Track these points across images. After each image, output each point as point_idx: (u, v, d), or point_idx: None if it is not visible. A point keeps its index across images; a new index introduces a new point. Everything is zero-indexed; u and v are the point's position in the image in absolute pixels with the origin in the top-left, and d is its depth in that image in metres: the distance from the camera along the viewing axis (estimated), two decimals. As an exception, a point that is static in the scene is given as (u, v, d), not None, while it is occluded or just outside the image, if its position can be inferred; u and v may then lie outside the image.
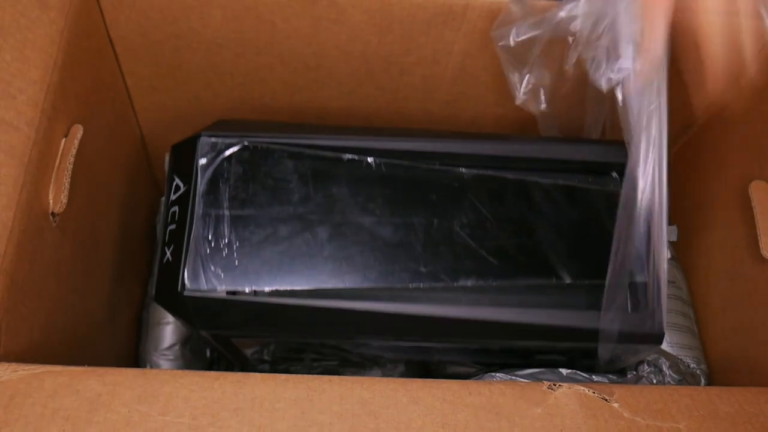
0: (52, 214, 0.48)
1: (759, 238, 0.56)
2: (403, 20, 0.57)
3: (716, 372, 0.66)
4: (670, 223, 0.54)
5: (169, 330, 0.68)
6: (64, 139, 0.49)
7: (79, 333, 0.57)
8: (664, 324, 0.52)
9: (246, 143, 0.52)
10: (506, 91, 0.64)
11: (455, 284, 0.51)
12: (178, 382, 0.39)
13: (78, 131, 0.50)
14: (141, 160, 0.73)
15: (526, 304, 0.52)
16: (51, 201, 0.47)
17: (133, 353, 0.72)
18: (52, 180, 0.48)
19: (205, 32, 0.58)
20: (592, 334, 0.52)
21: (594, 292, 0.52)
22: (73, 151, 0.49)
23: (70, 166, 0.49)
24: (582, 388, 0.41)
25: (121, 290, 0.67)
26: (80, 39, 0.52)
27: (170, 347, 0.67)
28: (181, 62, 0.62)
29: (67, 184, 0.48)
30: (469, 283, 0.51)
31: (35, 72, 0.46)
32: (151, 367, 0.68)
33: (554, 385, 0.41)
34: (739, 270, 0.63)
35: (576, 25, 0.51)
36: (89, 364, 0.41)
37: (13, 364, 0.39)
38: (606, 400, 0.40)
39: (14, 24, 0.47)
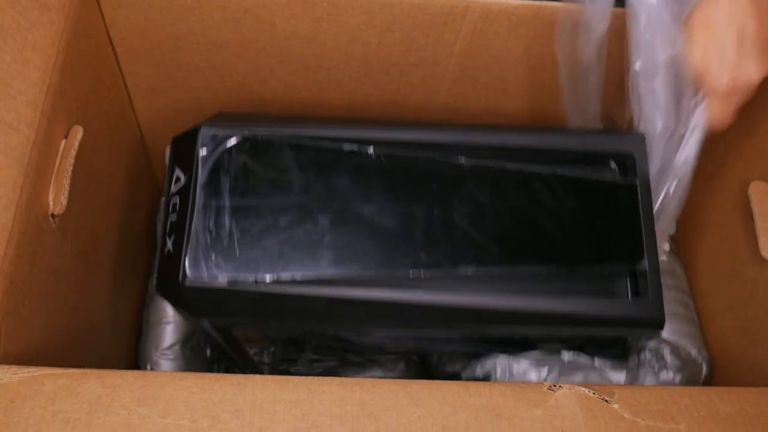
0: (52, 215, 0.48)
1: (758, 238, 0.56)
2: (404, 21, 0.57)
3: (717, 371, 0.66)
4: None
5: (169, 329, 0.68)
6: (63, 141, 0.49)
7: (80, 334, 0.57)
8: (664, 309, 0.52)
9: (246, 134, 0.52)
10: (506, 92, 0.65)
11: (456, 271, 0.51)
12: (178, 384, 0.39)
13: (78, 132, 0.50)
14: (141, 161, 0.73)
15: (528, 292, 0.52)
16: (51, 202, 0.47)
17: (133, 353, 0.72)
18: (52, 181, 0.47)
19: (204, 33, 0.58)
20: (596, 321, 0.52)
21: (593, 278, 0.53)
22: (73, 153, 0.49)
23: (70, 168, 0.48)
24: (582, 389, 0.41)
25: (121, 290, 0.67)
26: (80, 40, 0.52)
27: (170, 347, 0.68)
28: (180, 63, 0.62)
29: (66, 185, 0.48)
30: (470, 270, 0.51)
31: (35, 73, 0.46)
32: (152, 366, 0.68)
33: (554, 386, 0.41)
34: (739, 270, 0.63)
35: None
36: (89, 365, 0.41)
37: (13, 366, 0.39)
38: (606, 401, 0.40)
39: (14, 25, 0.47)
